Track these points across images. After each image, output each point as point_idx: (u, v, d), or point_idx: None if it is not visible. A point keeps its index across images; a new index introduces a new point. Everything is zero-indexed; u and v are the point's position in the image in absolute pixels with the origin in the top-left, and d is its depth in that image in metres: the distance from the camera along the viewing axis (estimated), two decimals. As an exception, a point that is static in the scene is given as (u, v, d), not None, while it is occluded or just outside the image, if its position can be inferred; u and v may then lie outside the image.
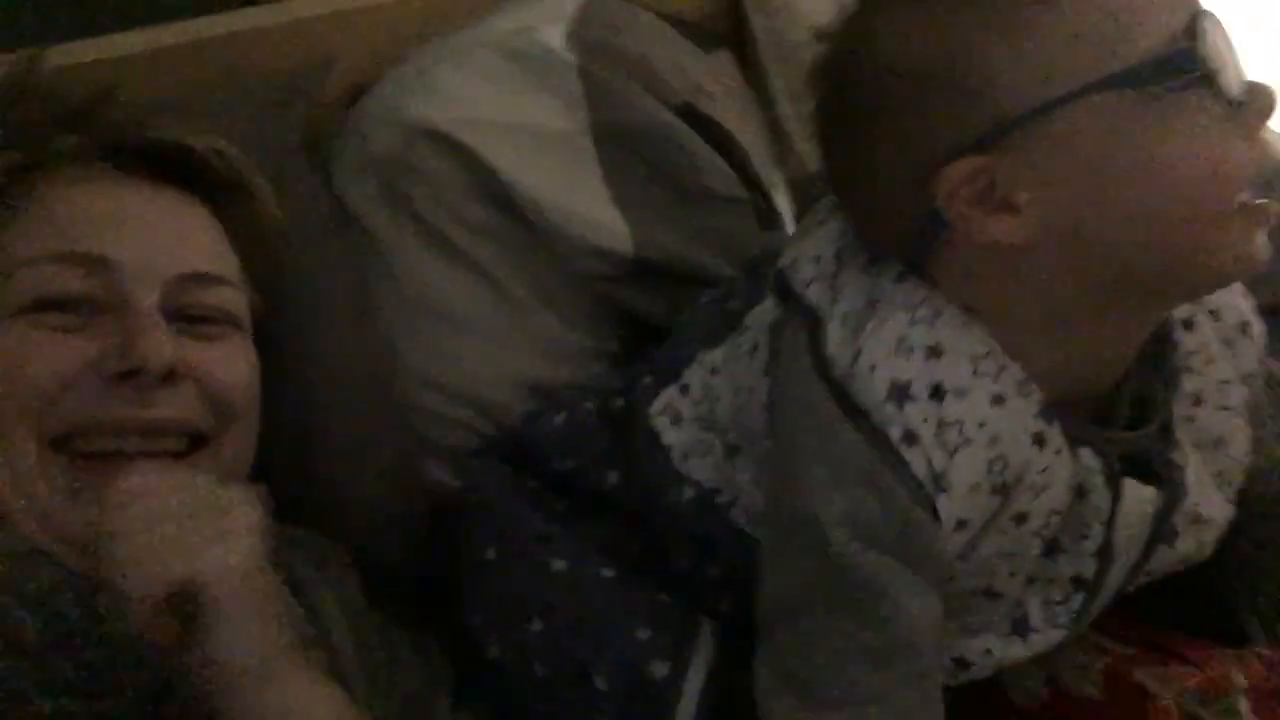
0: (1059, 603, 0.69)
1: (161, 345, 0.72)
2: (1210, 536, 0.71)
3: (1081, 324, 0.64)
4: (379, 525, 0.91)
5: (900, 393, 0.61)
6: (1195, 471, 0.69)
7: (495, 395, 0.93)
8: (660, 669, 0.73)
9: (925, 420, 0.61)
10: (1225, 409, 0.71)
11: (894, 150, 0.63)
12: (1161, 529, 0.68)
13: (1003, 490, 0.63)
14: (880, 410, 0.62)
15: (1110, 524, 0.66)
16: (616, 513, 0.80)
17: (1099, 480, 0.65)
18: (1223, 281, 0.66)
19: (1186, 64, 0.57)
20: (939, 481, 0.61)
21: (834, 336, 0.64)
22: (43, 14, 1.01)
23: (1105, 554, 0.67)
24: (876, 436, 0.62)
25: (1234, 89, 0.58)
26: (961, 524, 0.63)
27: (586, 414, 0.84)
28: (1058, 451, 0.64)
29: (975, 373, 0.62)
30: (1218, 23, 0.59)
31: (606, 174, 0.94)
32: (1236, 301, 0.72)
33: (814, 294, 0.67)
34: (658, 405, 0.78)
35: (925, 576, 0.63)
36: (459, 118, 0.94)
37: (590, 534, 0.80)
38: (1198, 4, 0.59)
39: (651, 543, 0.78)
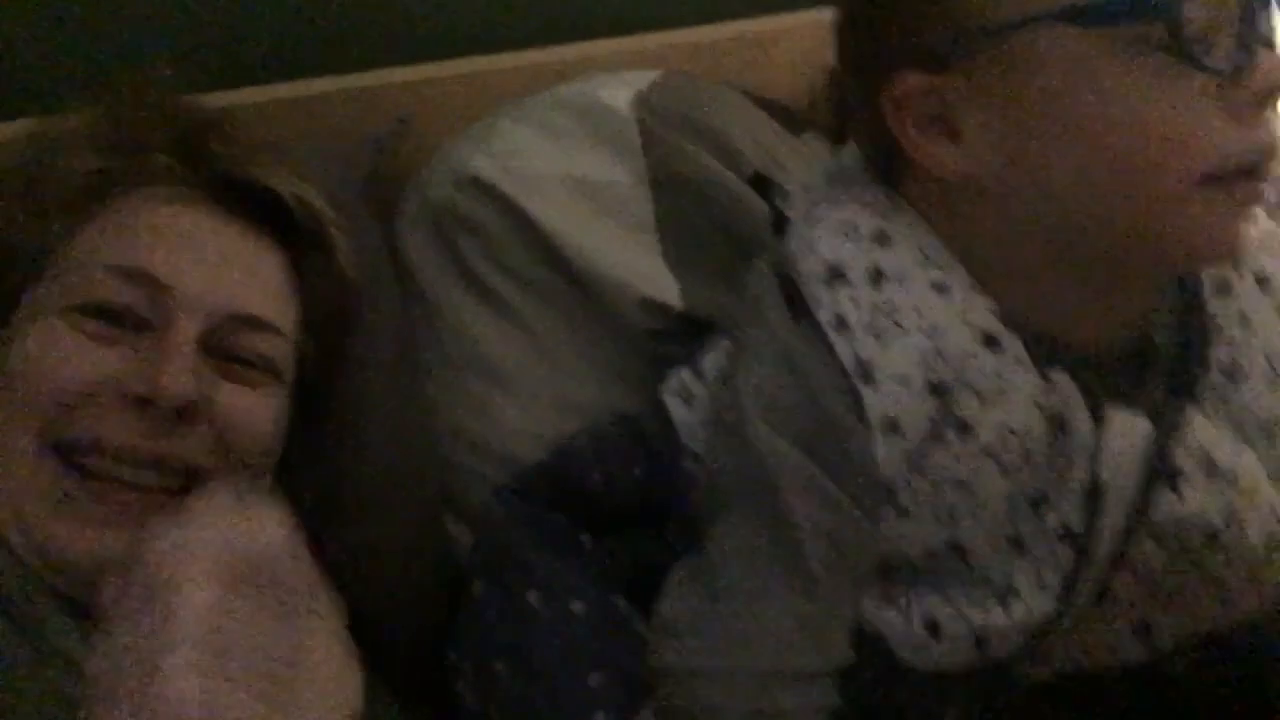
0: (1048, 564, 0.59)
1: (183, 379, 0.70)
2: (1243, 502, 0.58)
3: (1043, 277, 0.57)
4: (396, 578, 0.87)
5: (835, 273, 0.58)
6: (1219, 432, 0.58)
7: (528, 453, 0.87)
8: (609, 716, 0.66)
9: (857, 304, 0.57)
10: (1274, 387, 0.60)
11: (862, 56, 0.58)
12: (1160, 467, 0.57)
13: (940, 390, 0.56)
14: (812, 290, 0.58)
15: (1096, 459, 0.57)
16: (634, 525, 0.76)
17: (1079, 410, 0.57)
18: (1183, 268, 0.58)
19: (1151, 10, 0.49)
20: (865, 371, 0.57)
21: (792, 231, 0.62)
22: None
23: (1093, 496, 0.57)
24: (806, 319, 0.58)
25: (1219, 60, 0.50)
26: (892, 424, 0.56)
27: (609, 423, 0.81)
28: (1017, 360, 0.56)
29: (922, 260, 0.57)
30: None
31: (661, 226, 0.90)
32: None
33: (793, 205, 0.65)
34: (671, 385, 0.76)
35: (844, 486, 0.57)
36: (507, 168, 0.93)
37: (592, 558, 0.75)
38: None
39: (661, 553, 0.71)
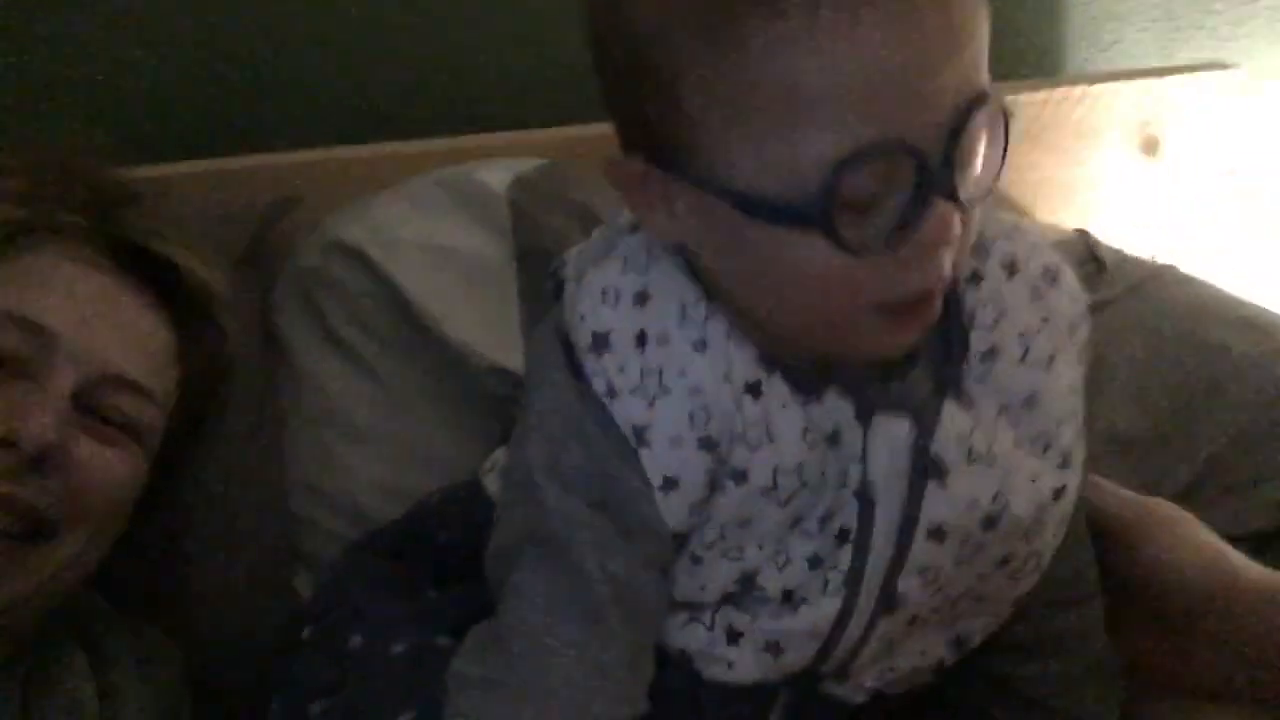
0: (830, 567, 0.61)
1: (44, 427, 0.71)
2: (1007, 480, 0.61)
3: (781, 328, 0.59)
4: (237, 632, 0.88)
5: (600, 342, 0.59)
6: (974, 419, 0.61)
7: (378, 507, 0.90)
8: None
9: (623, 370, 0.58)
10: (1027, 363, 0.62)
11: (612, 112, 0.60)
12: (924, 461, 0.60)
13: (710, 445, 0.58)
14: (584, 360, 0.59)
15: (864, 460, 0.59)
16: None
17: (849, 422, 0.59)
18: (867, 360, 0.60)
19: (804, 219, 0.51)
20: (639, 434, 0.58)
21: (566, 296, 0.62)
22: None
23: (864, 494, 0.59)
24: (584, 388, 0.59)
25: (877, 239, 0.51)
26: (671, 482, 0.58)
27: (465, 482, 0.82)
28: (783, 405, 0.58)
29: (682, 319, 0.59)
30: (883, 158, 0.50)
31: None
32: (1039, 249, 0.64)
33: (568, 269, 0.65)
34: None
35: (638, 541, 0.59)
36: (374, 236, 0.97)
37: (428, 604, 0.76)
38: (876, 136, 0.50)
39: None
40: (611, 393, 0.59)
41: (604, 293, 0.60)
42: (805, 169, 0.50)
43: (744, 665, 0.64)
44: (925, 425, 0.60)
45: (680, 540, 0.61)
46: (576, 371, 0.60)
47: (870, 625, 0.63)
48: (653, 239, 0.61)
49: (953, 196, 0.51)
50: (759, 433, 0.59)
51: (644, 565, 0.60)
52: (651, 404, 0.58)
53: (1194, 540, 0.68)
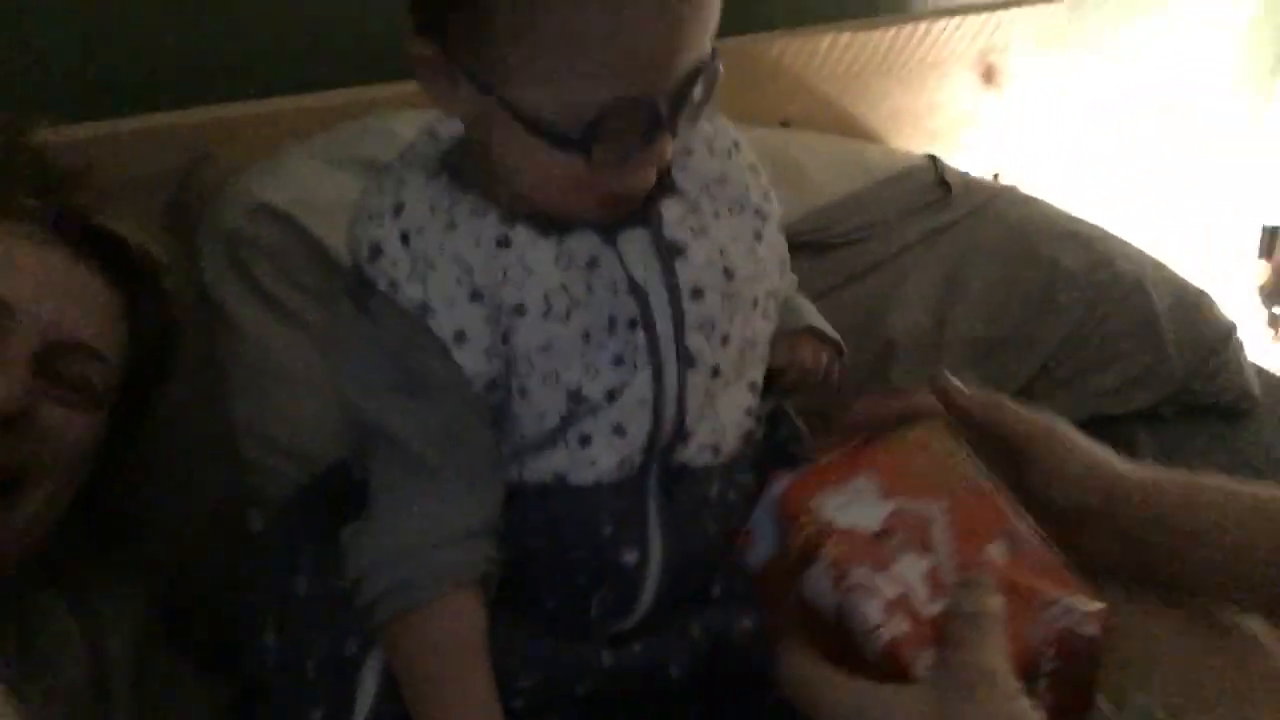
0: (632, 350, 0.75)
1: (8, 392, 0.76)
2: (733, 244, 0.79)
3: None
4: (197, 563, 0.95)
5: (375, 251, 0.73)
6: (686, 204, 0.78)
7: (323, 449, 0.96)
8: (352, 646, 0.77)
9: (397, 265, 0.72)
10: (714, 153, 0.81)
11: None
12: (664, 247, 0.76)
13: (478, 295, 0.72)
14: (366, 271, 0.73)
15: (624, 266, 0.75)
16: None
17: (599, 247, 0.75)
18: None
19: (571, 143, 0.67)
20: (424, 309, 0.72)
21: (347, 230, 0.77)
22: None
23: (634, 286, 0.75)
24: (372, 293, 0.73)
25: (611, 159, 0.68)
26: (460, 335, 0.72)
27: None
28: (533, 244, 0.73)
29: (431, 213, 0.74)
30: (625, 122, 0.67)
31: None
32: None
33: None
34: None
35: (447, 399, 0.73)
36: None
37: None
38: (619, 100, 0.66)
39: None
40: (393, 286, 0.72)
41: (369, 216, 0.75)
42: (579, 107, 0.66)
43: (604, 456, 0.76)
44: (654, 222, 0.77)
45: (495, 384, 0.75)
46: (356, 293, 0.75)
47: (682, 384, 0.77)
48: (402, 168, 0.78)
49: (672, 133, 0.69)
50: (518, 270, 0.73)
51: (460, 419, 0.74)
52: (424, 282, 0.72)
53: (1079, 446, 0.78)
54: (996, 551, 0.69)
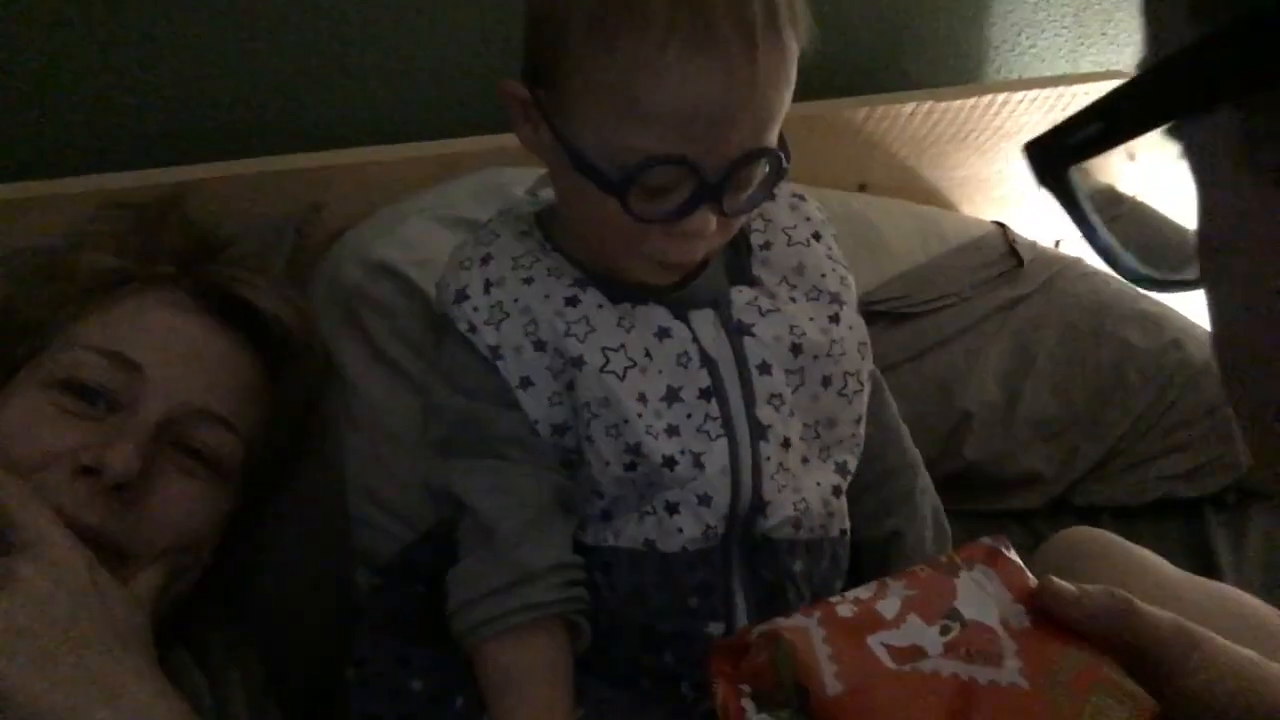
0: (706, 418, 0.79)
1: (129, 456, 0.76)
2: (805, 325, 0.83)
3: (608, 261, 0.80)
4: (304, 624, 0.96)
5: (460, 295, 0.81)
6: (758, 290, 0.84)
7: (427, 513, 0.97)
8: None
9: (478, 310, 0.80)
10: (792, 245, 0.87)
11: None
12: (734, 326, 0.82)
13: (542, 345, 0.79)
14: (451, 311, 0.81)
15: (699, 343, 0.80)
16: None
17: (671, 320, 0.80)
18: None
19: (611, 188, 0.71)
20: (495, 353, 0.79)
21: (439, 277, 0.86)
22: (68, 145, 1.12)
23: (706, 359, 0.80)
24: (455, 333, 0.80)
25: (651, 215, 0.72)
26: (525, 381, 0.79)
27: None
28: (599, 306, 0.79)
29: (513, 267, 0.81)
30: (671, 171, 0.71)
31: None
32: (785, 185, 0.89)
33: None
34: None
35: (501, 448, 0.80)
36: (413, 257, 1.05)
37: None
38: (684, 152, 0.70)
39: None
40: (472, 329, 0.79)
41: (460, 263, 0.83)
42: (622, 155, 0.70)
43: (689, 524, 0.80)
44: (723, 305, 0.82)
45: (564, 429, 0.80)
46: (441, 327, 0.83)
47: (755, 452, 0.80)
48: (499, 223, 0.86)
49: (718, 208, 0.73)
50: (581, 326, 0.78)
51: (517, 473, 0.80)
52: (498, 327, 0.79)
53: (1225, 654, 0.64)
54: None
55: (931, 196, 1.52)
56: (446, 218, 1.09)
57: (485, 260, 0.82)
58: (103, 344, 0.81)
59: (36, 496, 0.72)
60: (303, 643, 0.95)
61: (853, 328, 0.87)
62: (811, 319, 0.84)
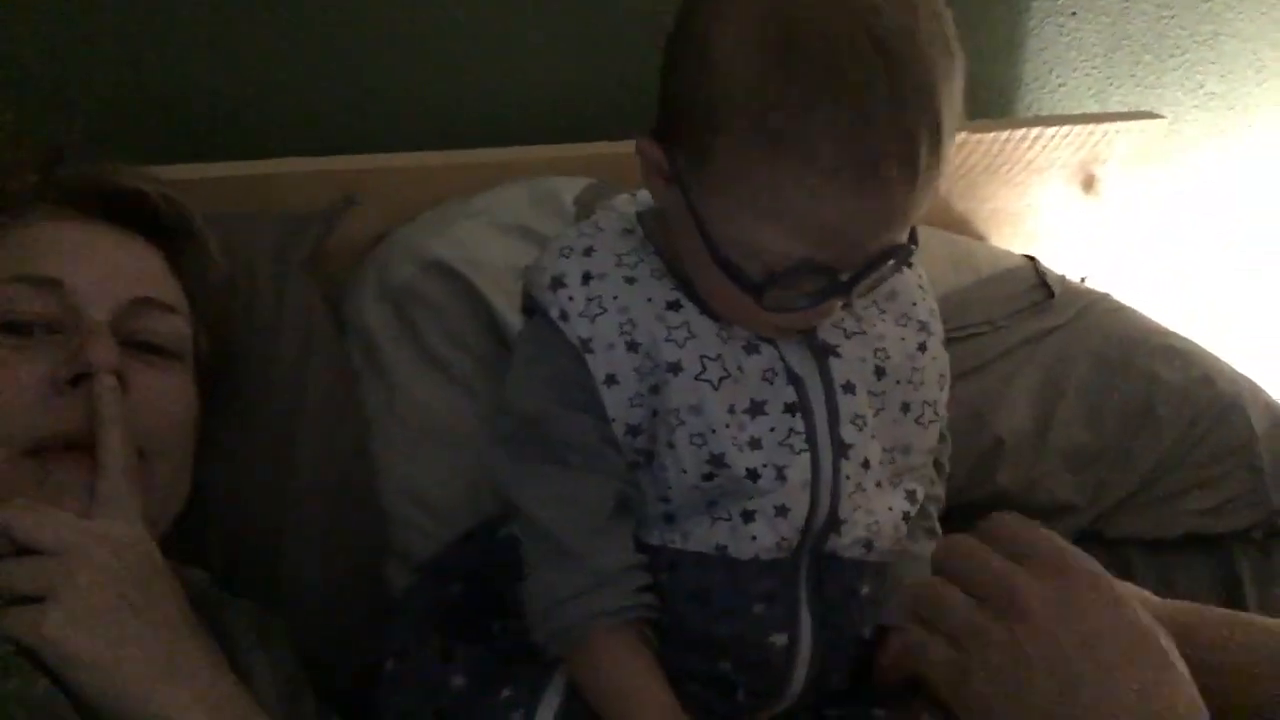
0: (791, 433, 0.79)
1: (109, 350, 0.78)
2: (891, 348, 0.84)
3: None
4: (335, 616, 0.95)
5: (557, 282, 0.80)
6: (845, 313, 0.83)
7: (467, 514, 0.98)
8: (515, 717, 0.80)
9: (573, 299, 0.79)
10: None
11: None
12: (819, 348, 0.82)
13: (635, 347, 0.77)
14: (544, 296, 0.80)
15: (784, 358, 0.80)
16: None
17: (754, 336, 0.80)
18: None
19: (745, 284, 0.73)
20: (586, 345, 0.78)
21: (535, 260, 0.84)
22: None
23: (793, 376, 0.80)
24: (545, 317, 0.79)
25: (780, 304, 0.74)
26: (611, 378, 0.77)
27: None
28: (699, 312, 0.79)
29: (617, 264, 0.80)
30: (801, 286, 0.73)
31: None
32: None
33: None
34: None
35: (597, 427, 0.79)
36: (468, 258, 1.05)
37: (502, 643, 0.86)
38: (809, 262, 0.71)
39: None
40: (564, 317, 0.78)
41: (561, 250, 0.82)
42: (761, 256, 0.71)
43: (765, 533, 0.79)
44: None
45: (638, 430, 0.79)
46: (530, 310, 0.83)
47: (836, 470, 0.80)
48: (602, 217, 0.85)
49: (848, 301, 0.76)
50: (682, 332, 0.78)
51: (581, 485, 0.79)
52: (593, 321, 0.78)
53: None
54: None
55: (962, 227, 1.52)
56: (497, 223, 1.09)
57: (588, 251, 0.81)
58: (12, 271, 0.80)
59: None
60: (335, 636, 0.95)
61: (936, 358, 0.87)
62: (896, 344, 0.84)
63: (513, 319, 1.01)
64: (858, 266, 0.72)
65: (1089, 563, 0.65)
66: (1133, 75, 1.65)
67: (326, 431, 0.99)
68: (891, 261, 0.73)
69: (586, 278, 0.79)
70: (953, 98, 0.69)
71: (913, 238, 0.74)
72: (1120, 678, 0.60)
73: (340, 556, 0.97)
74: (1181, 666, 0.62)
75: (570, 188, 1.10)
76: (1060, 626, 0.62)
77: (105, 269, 0.83)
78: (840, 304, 0.76)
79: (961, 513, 1.02)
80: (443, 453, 1.01)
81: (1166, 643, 0.62)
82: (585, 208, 1.08)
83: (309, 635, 0.92)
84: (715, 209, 0.72)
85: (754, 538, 0.79)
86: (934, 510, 0.94)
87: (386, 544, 0.99)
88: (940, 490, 0.96)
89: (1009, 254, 1.45)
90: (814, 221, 0.68)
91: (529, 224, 1.08)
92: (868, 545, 0.83)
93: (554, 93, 1.29)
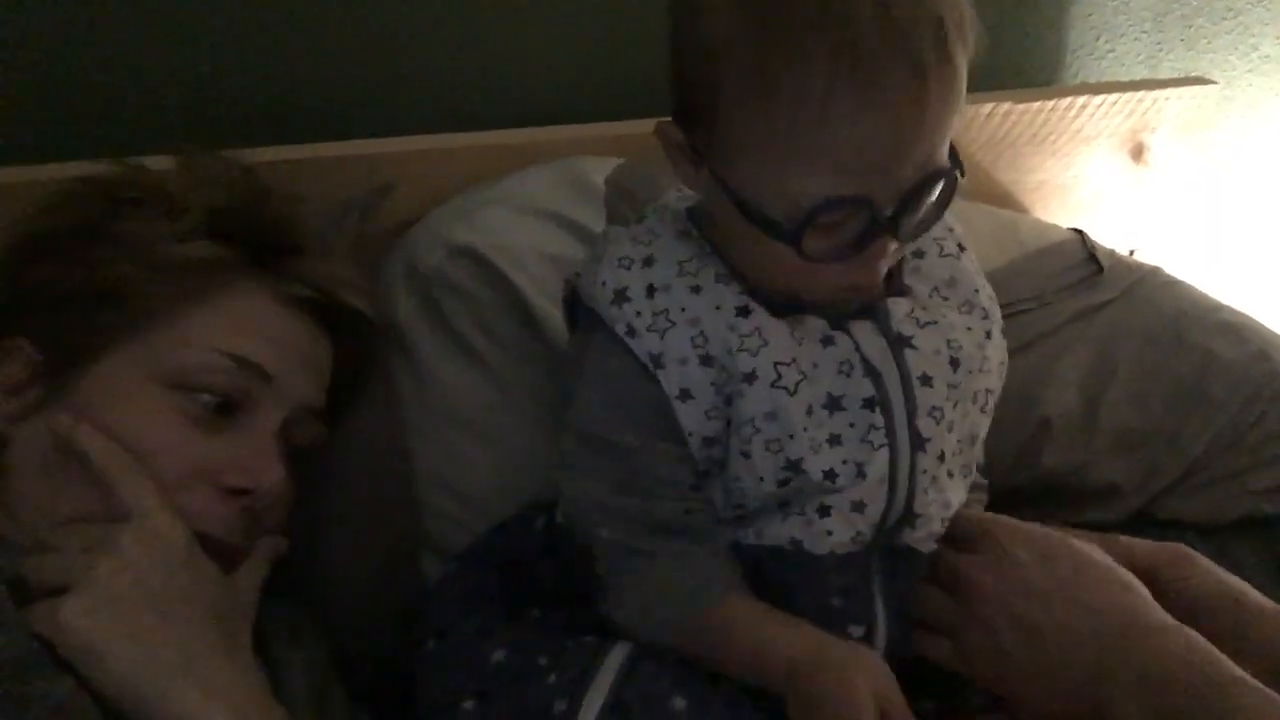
0: (870, 428, 0.77)
1: (278, 474, 0.80)
2: (962, 338, 0.81)
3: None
4: (370, 609, 0.95)
5: (620, 296, 0.77)
6: (912, 301, 0.81)
7: (499, 503, 0.96)
8: (560, 705, 0.77)
9: (640, 315, 0.76)
10: (943, 256, 0.85)
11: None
12: (893, 339, 0.79)
13: (709, 360, 0.74)
14: (607, 312, 0.76)
15: (861, 352, 0.78)
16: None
17: (832, 329, 0.78)
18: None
19: (781, 234, 0.70)
20: (657, 361, 0.75)
21: (588, 269, 0.80)
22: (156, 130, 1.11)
23: (870, 369, 0.77)
24: (609, 333, 0.76)
25: (826, 253, 0.71)
26: (685, 393, 0.75)
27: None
28: (768, 315, 0.75)
29: (679, 273, 0.77)
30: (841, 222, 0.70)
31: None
32: None
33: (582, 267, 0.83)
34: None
35: (673, 444, 0.77)
36: (497, 244, 1.03)
37: (543, 626, 0.85)
38: (836, 201, 0.68)
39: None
40: (631, 333, 0.75)
41: (619, 261, 0.78)
42: (791, 200, 0.68)
43: (840, 528, 0.78)
44: (880, 315, 0.79)
45: (713, 441, 0.77)
46: (595, 327, 0.78)
47: (914, 465, 0.79)
48: (655, 221, 0.82)
49: (894, 235, 0.71)
50: (755, 340, 0.75)
51: (667, 450, 0.77)
52: (662, 336, 0.75)
53: (1202, 567, 0.81)
54: None
55: (1006, 199, 1.48)
56: (526, 208, 1.06)
57: (648, 261, 0.78)
58: (228, 347, 0.81)
59: (142, 470, 0.74)
60: (370, 630, 0.94)
61: (998, 346, 0.85)
62: (966, 333, 0.82)
63: (542, 304, 1.00)
64: (895, 198, 0.69)
65: (1006, 521, 0.80)
66: (1183, 39, 1.59)
67: (363, 425, 0.98)
68: (934, 195, 0.71)
69: (651, 290, 0.76)
70: None
71: (954, 159, 0.71)
72: (1070, 606, 0.74)
73: (376, 549, 0.96)
74: (1127, 578, 0.75)
75: (600, 169, 1.07)
76: (1003, 588, 0.77)
77: (301, 371, 0.85)
78: (892, 247, 0.72)
79: (1009, 498, 0.99)
80: (474, 441, 0.99)
81: (1102, 557, 0.77)
82: (616, 188, 1.05)
83: (344, 629, 0.91)
84: (739, 172, 0.71)
85: (829, 533, 0.78)
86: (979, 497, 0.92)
87: (424, 536, 0.98)
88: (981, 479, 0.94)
89: (1056, 227, 1.41)
90: (830, 148, 0.66)
91: (559, 209, 1.06)
92: (939, 538, 0.82)
93: (581, 72, 1.26)
